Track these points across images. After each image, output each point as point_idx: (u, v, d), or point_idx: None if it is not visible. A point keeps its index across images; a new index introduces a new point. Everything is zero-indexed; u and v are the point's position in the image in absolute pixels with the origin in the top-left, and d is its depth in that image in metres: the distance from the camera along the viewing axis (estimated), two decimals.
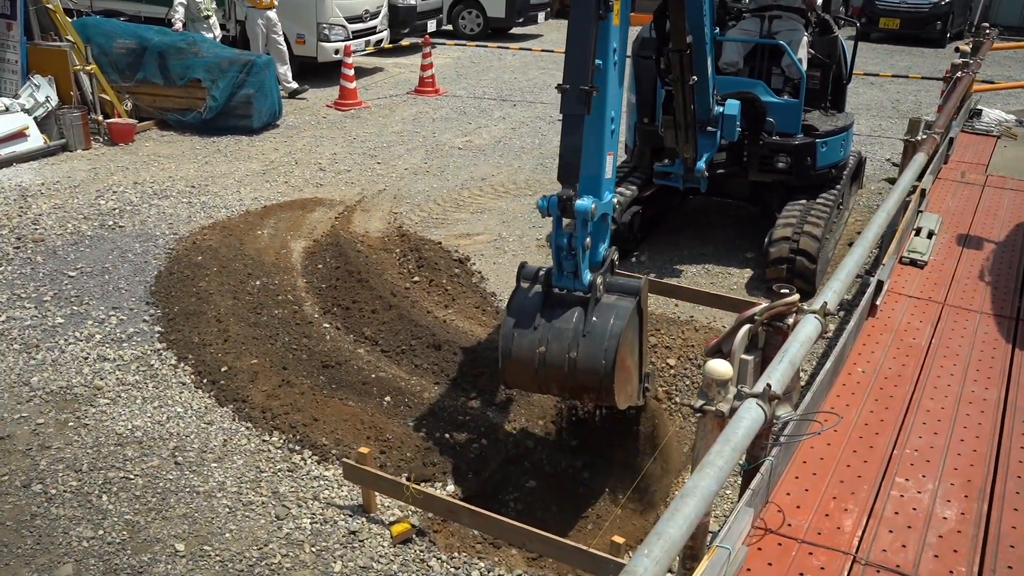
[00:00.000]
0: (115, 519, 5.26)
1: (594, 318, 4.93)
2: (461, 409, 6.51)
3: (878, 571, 3.23)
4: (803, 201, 8.92)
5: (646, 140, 9.19)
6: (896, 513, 3.54)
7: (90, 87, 12.90)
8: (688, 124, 7.74)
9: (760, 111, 8.77)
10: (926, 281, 5.69)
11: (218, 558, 5.00)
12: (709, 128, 8.24)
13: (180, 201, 10.55)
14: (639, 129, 9.33)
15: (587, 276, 5.02)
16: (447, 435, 6.22)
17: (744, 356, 3.13)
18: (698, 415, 2.65)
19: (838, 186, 9.34)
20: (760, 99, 8.76)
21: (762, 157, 8.87)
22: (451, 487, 5.78)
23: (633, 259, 9.30)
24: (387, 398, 6.64)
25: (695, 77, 7.41)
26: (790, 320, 3.12)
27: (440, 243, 9.48)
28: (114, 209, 10.21)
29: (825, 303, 3.14)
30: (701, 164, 8.27)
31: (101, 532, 5.14)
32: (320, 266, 8.83)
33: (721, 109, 8.33)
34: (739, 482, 3.84)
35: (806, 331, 2.96)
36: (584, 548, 4.74)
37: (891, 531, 3.44)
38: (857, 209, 10.83)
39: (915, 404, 4.31)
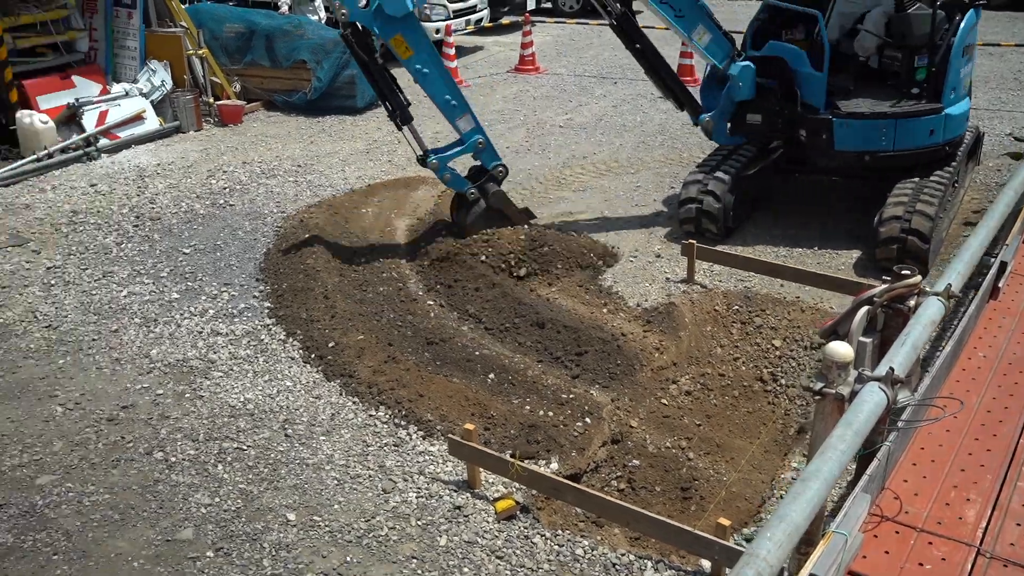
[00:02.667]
0: (230, 488, 5.46)
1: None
2: (565, 388, 6.52)
3: (1005, 565, 3.10)
4: (916, 179, 8.58)
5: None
6: (1023, 506, 3.39)
7: (202, 71, 13.34)
8: (662, 77, 8.92)
9: (790, 79, 8.66)
10: None
11: (327, 528, 5.14)
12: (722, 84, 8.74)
13: (287, 180, 10.81)
14: None
15: (464, 188, 8.59)
16: (551, 413, 6.24)
17: (863, 338, 3.04)
18: (817, 398, 2.59)
19: (953, 163, 8.95)
20: (790, 67, 8.62)
21: (789, 126, 8.79)
22: (554, 465, 5.80)
23: (737, 239, 9.12)
24: (491, 375, 6.70)
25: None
26: (911, 302, 3.01)
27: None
28: (225, 188, 10.53)
29: (949, 285, 3.01)
30: (703, 116, 9.03)
31: (217, 499, 5.34)
32: (423, 244, 8.94)
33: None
34: (852, 467, 3.75)
35: (929, 313, 2.85)
36: (689, 529, 4.70)
37: (1018, 524, 3.30)
38: (974, 187, 10.38)
39: None
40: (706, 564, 4.85)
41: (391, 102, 8.49)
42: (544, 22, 21.65)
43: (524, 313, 7.44)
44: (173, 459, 5.73)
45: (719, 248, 8.65)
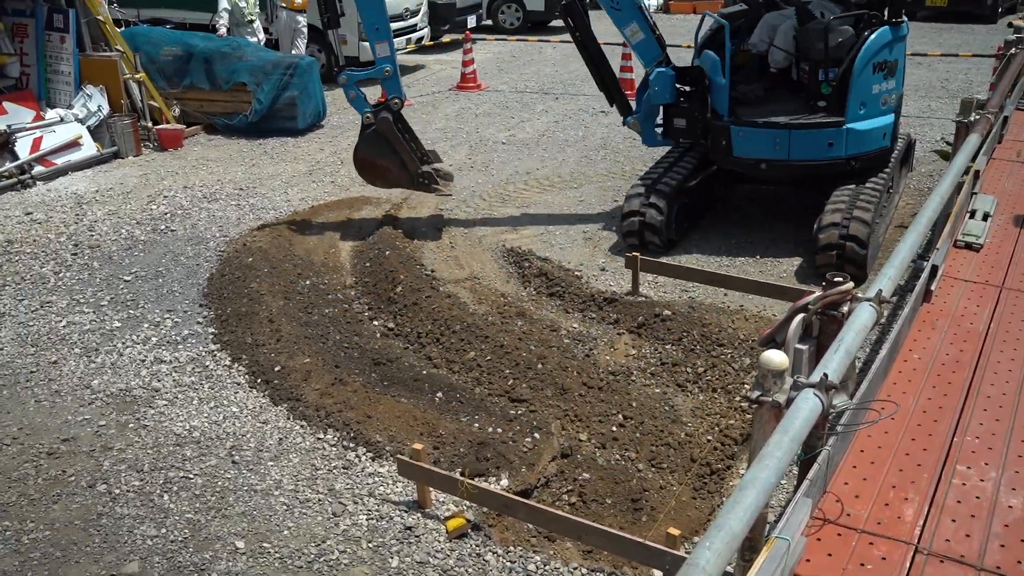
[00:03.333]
0: (177, 518, 5.37)
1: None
2: (513, 404, 6.54)
3: (942, 561, 3.18)
4: (852, 186, 8.79)
5: None
6: (959, 502, 3.48)
7: (139, 95, 13.17)
8: (600, 72, 9.41)
9: (705, 87, 9.01)
10: (982, 264, 5.57)
11: (277, 555, 5.08)
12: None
13: (229, 204, 10.71)
14: None
15: (361, 111, 9.34)
16: (499, 429, 6.24)
17: (799, 346, 3.10)
18: (754, 406, 2.64)
19: (887, 169, 9.19)
20: (707, 75, 8.97)
21: (705, 132, 9.18)
22: (505, 481, 5.80)
23: (680, 250, 9.24)
24: (439, 394, 6.68)
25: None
26: (845, 308, 3.08)
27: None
28: (166, 213, 10.40)
29: (880, 291, 3.09)
30: (629, 118, 9.50)
31: (164, 530, 5.25)
32: (368, 264, 8.91)
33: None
34: (795, 472, 3.82)
35: (861, 319, 2.92)
36: (640, 540, 4.73)
37: (954, 520, 3.38)
38: (908, 192, 10.65)
39: (974, 390, 4.23)
40: (658, 574, 4.89)
41: (327, 5, 9.51)
42: (485, 39, 21.78)
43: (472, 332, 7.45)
44: (117, 491, 5.62)
45: (663, 260, 8.77)
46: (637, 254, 8.24)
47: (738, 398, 6.64)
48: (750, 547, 2.87)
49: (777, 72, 9.67)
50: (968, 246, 5.68)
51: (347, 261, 9.11)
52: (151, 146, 13.06)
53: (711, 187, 9.93)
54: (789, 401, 2.56)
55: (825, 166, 8.90)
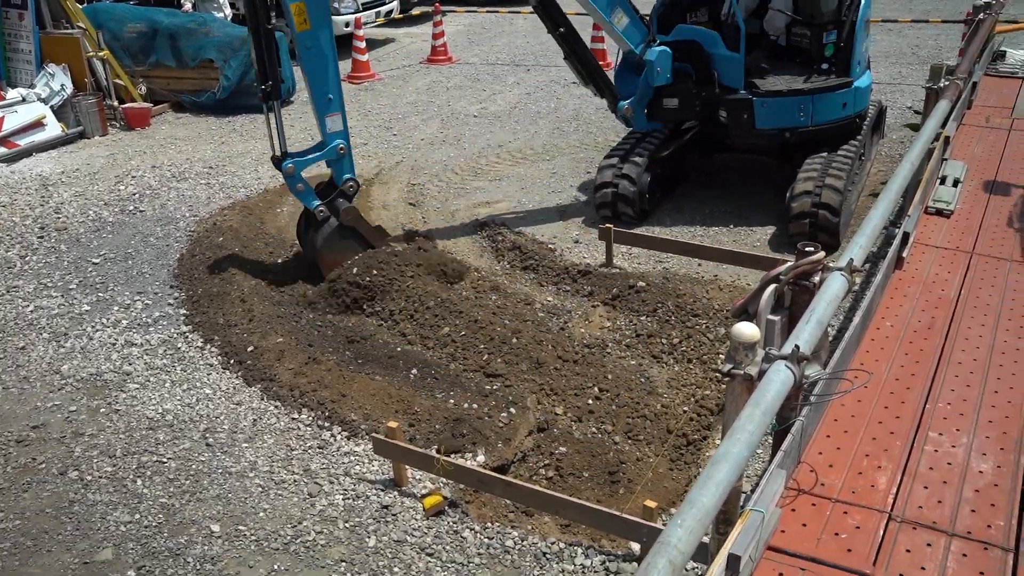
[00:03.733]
0: (150, 503, 5.32)
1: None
2: (488, 379, 6.51)
3: (914, 527, 3.19)
4: (824, 154, 8.78)
5: None
6: (931, 469, 3.49)
7: (104, 73, 12.93)
8: (584, 63, 8.83)
9: (706, 62, 8.75)
10: (953, 230, 5.59)
11: (253, 537, 5.04)
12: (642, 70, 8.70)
13: (199, 183, 10.57)
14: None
15: (312, 205, 7.87)
16: (475, 405, 6.22)
17: (771, 316, 3.08)
18: (726, 379, 2.61)
19: (859, 137, 9.19)
20: (705, 50, 8.74)
21: (708, 108, 8.89)
22: (481, 457, 5.78)
23: (653, 221, 9.22)
24: (413, 371, 6.64)
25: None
26: (816, 278, 3.06)
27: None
28: (134, 194, 10.24)
29: (852, 260, 3.07)
30: (622, 104, 8.95)
31: (138, 516, 5.20)
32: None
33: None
34: (770, 443, 3.82)
35: (833, 289, 2.90)
36: (616, 513, 4.74)
37: (926, 487, 3.40)
38: (879, 159, 10.67)
39: (946, 357, 4.25)
40: (636, 546, 4.90)
41: (268, 73, 7.45)
42: (455, 11, 21.55)
43: (447, 308, 7.40)
44: (89, 477, 5.56)
45: (637, 231, 8.75)
46: (610, 226, 8.22)
47: (713, 368, 6.65)
48: (725, 520, 2.86)
49: (756, 40, 9.55)
50: (939, 212, 5.69)
51: None
52: (117, 125, 12.84)
53: (683, 158, 9.89)
54: (761, 373, 2.54)
55: (841, 127, 8.95)
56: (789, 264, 3.12)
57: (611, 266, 8.27)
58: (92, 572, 4.80)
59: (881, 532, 3.17)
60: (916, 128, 10.38)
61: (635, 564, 4.79)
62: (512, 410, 6.15)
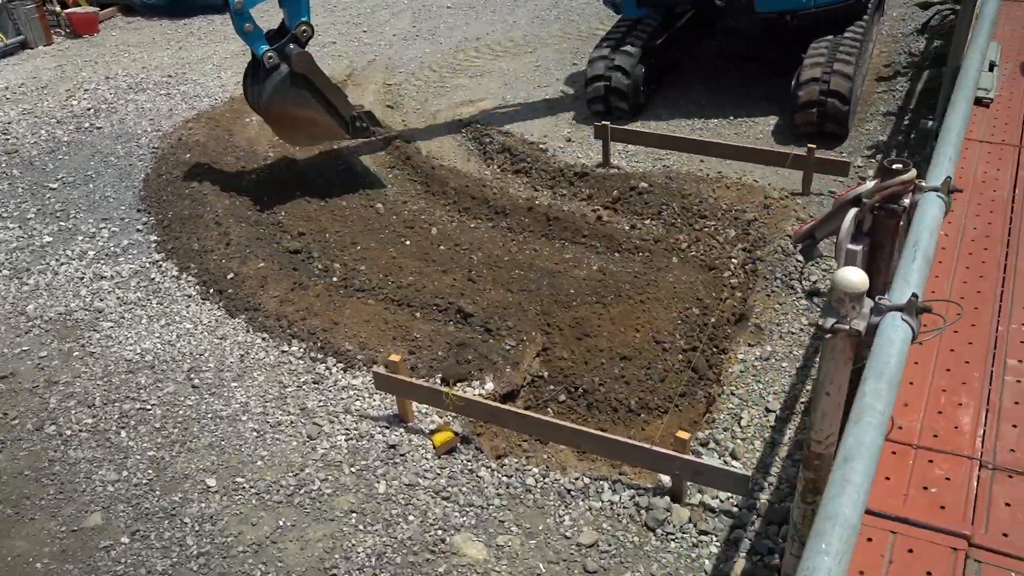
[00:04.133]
0: (138, 457, 4.91)
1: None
2: (488, 297, 6.08)
3: (1010, 476, 2.84)
4: (830, 37, 8.20)
5: None
6: (1016, 403, 3.12)
7: None
8: None
9: None
10: (995, 121, 5.11)
11: (253, 490, 4.66)
12: None
13: (158, 94, 9.82)
14: None
15: (260, 50, 6.92)
16: (479, 326, 5.81)
17: (851, 246, 2.64)
18: (826, 335, 2.19)
19: (864, 18, 8.59)
20: None
21: None
22: (489, 384, 5.40)
23: (648, 114, 8.67)
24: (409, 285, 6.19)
25: None
26: (906, 200, 2.61)
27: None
28: (88, 109, 9.50)
29: (949, 178, 2.62)
30: None
31: (125, 473, 4.79)
32: (318, 151, 8.23)
33: None
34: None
35: (932, 214, 2.46)
36: (647, 446, 4.39)
37: (1015, 426, 3.03)
38: (880, 39, 10.07)
39: (1011, 269, 3.83)
40: (665, 479, 4.58)
41: None
42: None
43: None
44: (68, 432, 5.12)
45: (632, 127, 8.22)
46: (607, 123, 7.67)
47: (727, 273, 6.26)
48: (813, 489, 2.48)
49: None
50: (978, 101, 5.19)
51: (294, 148, 8.38)
52: (63, 33, 11.92)
53: (674, 47, 9.26)
54: (870, 328, 2.11)
55: (843, 7, 8.31)
56: (872, 184, 2.66)
57: (609, 166, 7.76)
58: (82, 541, 4.40)
59: (974, 483, 2.81)
60: (926, 6, 9.80)
61: (667, 498, 4.47)
62: (520, 332, 5.74)
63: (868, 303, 2.14)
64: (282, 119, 7.12)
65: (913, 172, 2.60)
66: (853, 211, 2.62)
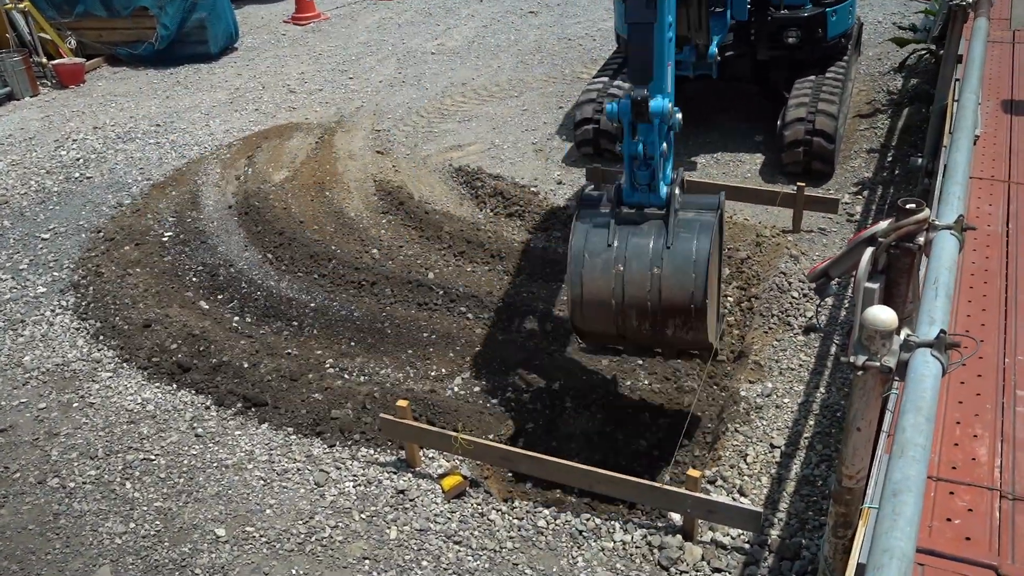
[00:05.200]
0: (144, 508, 4.86)
1: (679, 232, 4.39)
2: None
3: None
4: (812, 77, 8.40)
5: None
6: None
7: (26, 26, 11.98)
8: (700, 6, 7.20)
9: None
10: (983, 157, 5.24)
11: (263, 539, 4.63)
12: (717, 9, 7.72)
13: (147, 142, 9.85)
14: None
15: (664, 189, 4.54)
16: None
17: (869, 284, 2.71)
18: (858, 372, 2.24)
19: (845, 57, 8.81)
20: None
21: (771, 33, 8.30)
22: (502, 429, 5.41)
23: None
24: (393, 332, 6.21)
25: None
26: (920, 239, 2.68)
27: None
28: (77, 159, 9.51)
29: (962, 216, 2.70)
30: (713, 48, 7.67)
31: (132, 525, 4.74)
32: (311, 200, 8.28)
33: None
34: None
35: (949, 252, 2.53)
36: (657, 485, 4.42)
37: None
38: (859, 78, 10.30)
39: (1012, 301, 3.92)
40: (677, 517, 4.60)
41: None
42: None
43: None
44: (72, 484, 5.07)
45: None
46: (599, 165, 7.79)
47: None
48: (845, 523, 2.52)
49: None
50: None
51: (292, 201, 8.41)
52: (49, 84, 11.95)
53: None
54: (900, 364, 2.17)
55: (844, 36, 8.69)
56: (887, 224, 2.73)
57: None
58: None
59: (997, 514, 2.86)
60: (902, 43, 10.04)
61: (679, 536, 4.48)
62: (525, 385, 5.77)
63: (897, 340, 2.20)
64: (711, 295, 4.66)
65: (927, 211, 2.68)
66: (870, 250, 2.70)
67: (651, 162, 4.37)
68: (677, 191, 4.50)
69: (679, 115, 4.51)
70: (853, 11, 8.66)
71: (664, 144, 4.46)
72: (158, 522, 4.75)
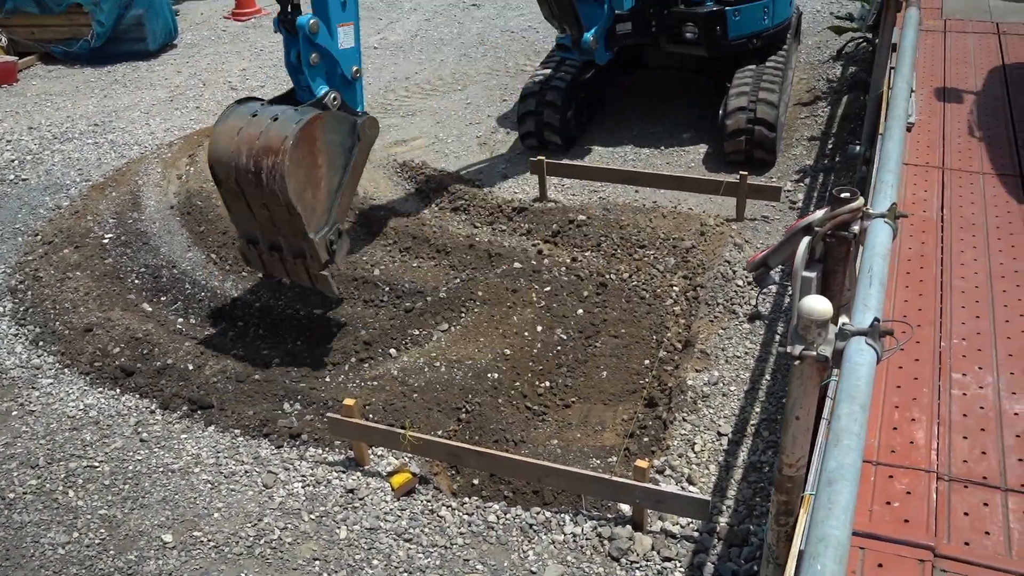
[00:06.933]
0: (88, 516, 4.77)
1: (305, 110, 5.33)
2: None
3: (965, 486, 2.96)
4: (753, 67, 8.49)
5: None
6: (964, 416, 3.26)
7: None
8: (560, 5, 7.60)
9: None
10: (918, 144, 5.35)
11: (211, 543, 4.57)
12: None
13: (85, 143, 9.63)
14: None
15: (322, 89, 5.49)
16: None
17: (806, 273, 2.75)
18: (795, 362, 2.28)
19: (784, 47, 8.92)
20: None
21: (669, 27, 8.37)
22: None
23: (581, 146, 8.83)
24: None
25: None
26: (855, 228, 2.73)
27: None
28: (12, 160, 9.27)
29: (895, 204, 2.75)
30: (588, 36, 7.92)
31: (76, 534, 4.65)
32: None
33: None
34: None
35: (882, 241, 2.58)
36: (606, 477, 4.45)
37: (965, 437, 3.16)
38: (799, 66, 10.45)
39: (947, 286, 4.01)
40: (626, 508, 4.64)
41: None
42: None
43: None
44: (12, 495, 4.95)
45: (568, 161, 8.36)
46: (543, 157, 7.79)
47: (668, 301, 6.39)
48: (787, 511, 2.56)
49: None
50: None
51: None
52: None
53: (602, 79, 9.47)
54: (836, 353, 2.21)
55: (784, 29, 8.80)
56: (823, 213, 2.78)
57: (546, 200, 7.87)
58: None
59: (934, 496, 2.92)
60: (839, 31, 10.20)
61: (628, 527, 4.52)
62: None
63: (832, 329, 2.24)
64: (301, 161, 5.29)
65: (861, 200, 2.72)
66: (806, 239, 2.74)
67: (302, 67, 5.40)
68: (334, 95, 5.44)
69: (354, 66, 5.80)
70: (775, 10, 8.57)
71: (314, 54, 5.39)
72: (103, 530, 4.67)
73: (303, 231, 5.42)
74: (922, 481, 2.99)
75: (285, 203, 5.29)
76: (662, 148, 8.74)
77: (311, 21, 5.33)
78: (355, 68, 5.87)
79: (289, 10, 5.36)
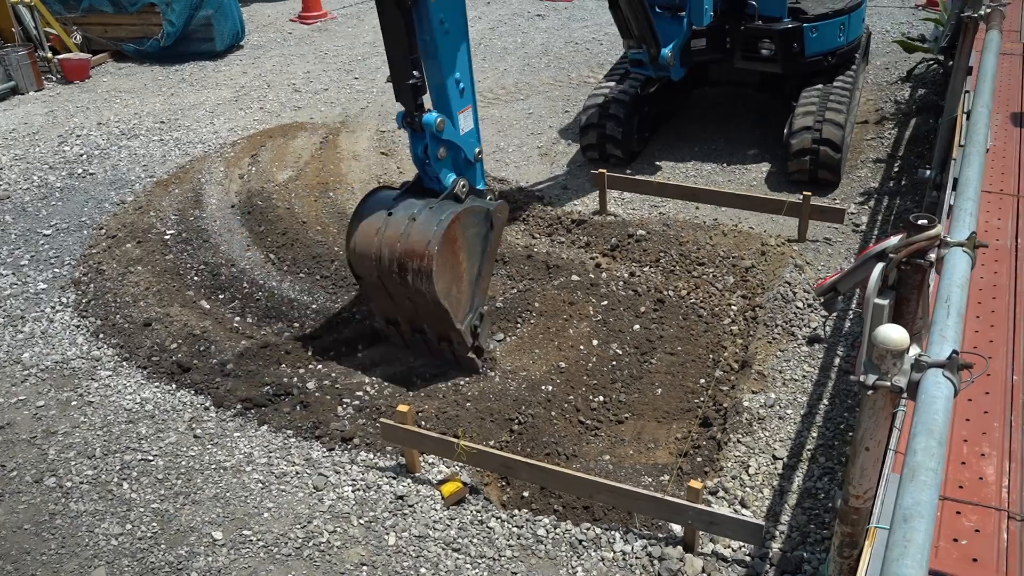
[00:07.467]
0: (141, 509, 4.83)
1: (442, 205, 5.40)
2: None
3: None
4: (820, 86, 8.36)
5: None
6: None
7: (32, 21, 11.96)
8: (634, 11, 7.41)
9: None
10: (992, 170, 5.20)
11: (260, 543, 4.59)
12: (679, 13, 7.80)
13: (151, 139, 9.82)
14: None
15: (450, 177, 5.52)
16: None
17: (878, 300, 2.67)
18: (868, 392, 2.21)
19: (853, 66, 8.77)
20: None
21: (745, 43, 8.25)
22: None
23: (643, 161, 8.76)
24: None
25: None
26: (931, 255, 2.65)
27: None
28: (81, 155, 9.48)
29: (974, 233, 2.66)
30: (666, 52, 7.80)
31: (129, 526, 4.71)
32: (319, 201, 8.24)
33: None
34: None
35: (960, 271, 2.49)
36: (659, 496, 4.38)
37: None
38: (866, 87, 10.27)
39: (1020, 318, 3.89)
40: (678, 528, 4.56)
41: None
42: None
43: None
44: (69, 484, 5.03)
45: (631, 175, 8.30)
46: (604, 171, 7.74)
47: (726, 320, 6.29)
48: (851, 543, 2.48)
49: None
50: None
51: (296, 203, 8.38)
52: (54, 79, 11.93)
53: (666, 95, 9.40)
54: (911, 384, 2.13)
55: (855, 47, 8.74)
56: (897, 240, 2.70)
57: (605, 213, 7.82)
58: None
59: (1004, 535, 2.82)
60: (909, 48, 10.01)
61: (679, 548, 4.44)
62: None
63: (908, 359, 2.16)
64: (446, 263, 5.31)
65: (939, 228, 2.64)
66: (880, 265, 2.66)
67: (430, 160, 5.42)
68: (463, 183, 5.51)
69: (477, 148, 5.77)
70: (850, 28, 8.50)
71: (441, 148, 5.39)
72: (155, 524, 4.72)
73: (450, 323, 5.51)
74: (992, 519, 2.88)
75: (432, 302, 5.36)
76: (724, 165, 8.64)
77: (438, 120, 5.24)
78: (477, 150, 5.81)
79: (415, 110, 5.27)
